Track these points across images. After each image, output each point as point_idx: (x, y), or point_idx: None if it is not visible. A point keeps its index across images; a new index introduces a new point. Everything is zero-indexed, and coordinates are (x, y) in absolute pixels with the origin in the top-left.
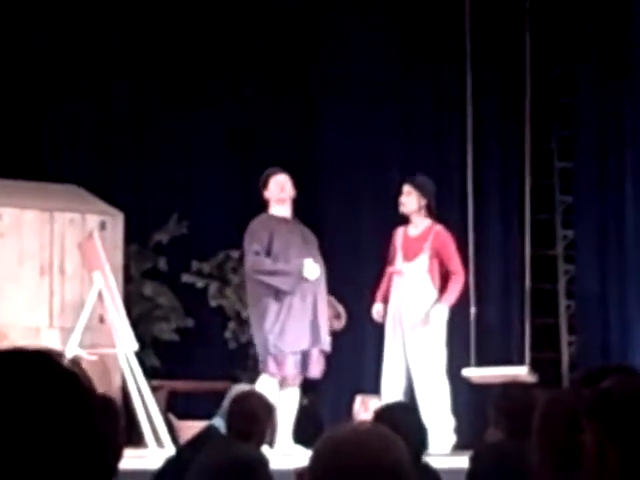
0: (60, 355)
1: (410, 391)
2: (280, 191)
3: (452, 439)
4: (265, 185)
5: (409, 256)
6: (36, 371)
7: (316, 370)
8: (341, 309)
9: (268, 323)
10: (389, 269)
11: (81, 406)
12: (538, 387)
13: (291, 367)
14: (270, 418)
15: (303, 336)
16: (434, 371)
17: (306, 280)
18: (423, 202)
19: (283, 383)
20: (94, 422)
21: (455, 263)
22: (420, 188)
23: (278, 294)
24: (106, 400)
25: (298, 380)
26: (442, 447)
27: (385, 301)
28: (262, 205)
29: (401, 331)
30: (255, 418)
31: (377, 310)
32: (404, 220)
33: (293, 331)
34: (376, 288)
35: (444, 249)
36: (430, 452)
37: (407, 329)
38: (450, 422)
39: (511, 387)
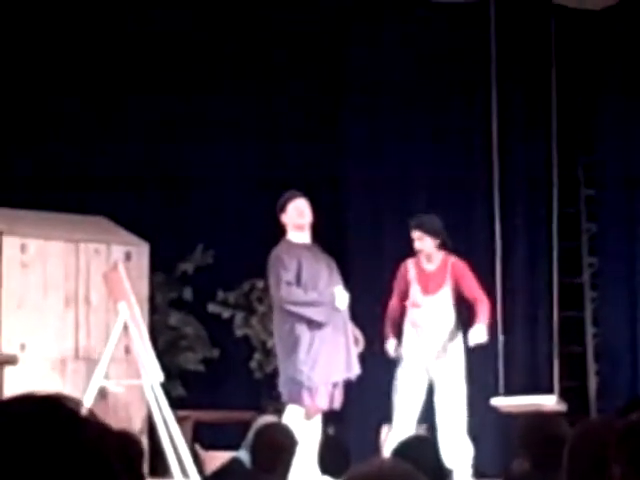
0: (71, 401)
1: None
2: (299, 216)
3: (470, 468)
4: (283, 209)
5: (429, 289)
6: (44, 419)
7: (338, 401)
8: (358, 334)
9: (301, 354)
10: (407, 303)
11: (91, 455)
12: (563, 417)
13: (324, 399)
14: (294, 449)
15: (336, 367)
16: (459, 403)
17: (338, 310)
18: (437, 242)
19: (309, 413)
20: (109, 470)
21: (477, 290)
22: (429, 230)
23: (310, 324)
24: (125, 436)
25: (322, 410)
26: (464, 475)
27: (398, 336)
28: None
29: (425, 363)
30: (279, 450)
31: (394, 346)
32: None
33: (326, 363)
34: (383, 323)
35: (463, 279)
36: None
37: (430, 360)
38: (471, 452)
39: (536, 417)
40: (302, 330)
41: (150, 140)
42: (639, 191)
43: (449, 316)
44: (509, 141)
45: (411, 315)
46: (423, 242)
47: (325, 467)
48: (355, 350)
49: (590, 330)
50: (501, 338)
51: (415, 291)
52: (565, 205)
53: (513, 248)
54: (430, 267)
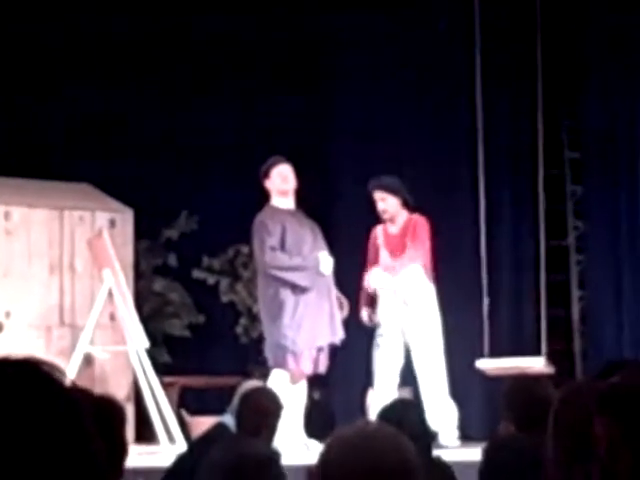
0: (46, 364)
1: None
2: (283, 182)
3: (456, 431)
4: (267, 175)
5: (395, 253)
6: (17, 381)
7: (324, 366)
8: (343, 299)
9: (286, 319)
10: (378, 268)
11: (67, 416)
12: (548, 379)
13: (308, 363)
14: (279, 413)
15: (320, 332)
16: (439, 361)
17: (322, 275)
18: (398, 200)
19: (294, 378)
20: (83, 433)
21: (417, 243)
22: (388, 189)
23: (295, 289)
24: (106, 401)
25: (307, 375)
26: (451, 440)
27: (371, 304)
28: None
29: (399, 325)
30: (264, 414)
31: (368, 315)
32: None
33: (311, 327)
34: (359, 292)
35: (415, 233)
36: (441, 444)
37: (405, 323)
38: (454, 409)
39: (521, 380)
40: (286, 295)
41: (135, 107)
42: (624, 153)
43: (419, 277)
44: (493, 104)
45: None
46: (386, 202)
47: (311, 431)
48: (339, 315)
49: (576, 293)
50: (486, 301)
51: (384, 255)
52: (550, 168)
53: (498, 211)
54: (394, 229)
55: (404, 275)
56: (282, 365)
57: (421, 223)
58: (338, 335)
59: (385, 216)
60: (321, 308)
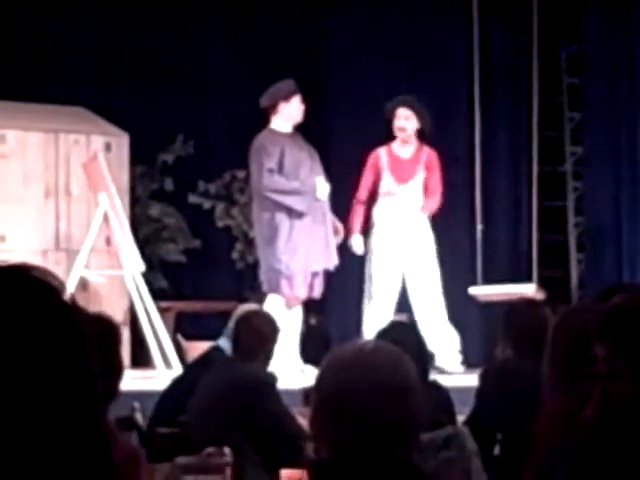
0: (40, 270)
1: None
2: (298, 111)
3: (459, 357)
4: (287, 99)
5: (402, 177)
6: (9, 285)
7: (318, 291)
8: (338, 224)
9: (281, 243)
10: (380, 192)
11: (59, 319)
12: (546, 305)
13: (302, 288)
14: (276, 337)
15: (315, 257)
16: (438, 292)
17: (318, 200)
18: (419, 126)
19: (289, 303)
20: (74, 338)
21: (438, 187)
22: (419, 113)
23: (290, 214)
24: (102, 320)
25: (302, 299)
26: (452, 363)
27: (365, 230)
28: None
29: (397, 252)
30: (261, 337)
31: (357, 243)
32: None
33: (305, 252)
34: (349, 217)
35: (432, 171)
36: (441, 368)
37: (405, 250)
38: (455, 334)
39: (519, 305)
40: (282, 219)
41: (130, 29)
42: (622, 79)
43: (420, 205)
44: (490, 28)
45: (383, 204)
46: (408, 121)
47: (307, 356)
48: (334, 241)
49: (572, 219)
50: (480, 227)
51: (388, 180)
52: (547, 94)
53: (494, 136)
54: (405, 154)
55: (407, 203)
56: (276, 289)
57: (435, 158)
58: (332, 261)
59: (402, 134)
60: (316, 233)
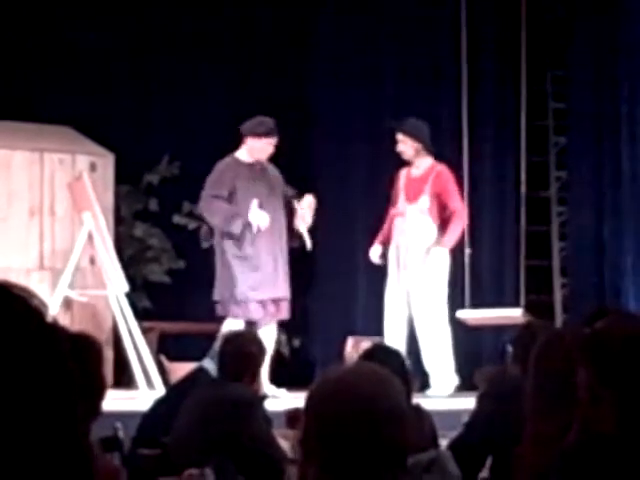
0: (21, 289)
1: (412, 334)
2: (264, 153)
3: (454, 381)
4: (258, 137)
5: (411, 197)
6: None
7: (284, 313)
8: (304, 232)
9: (224, 270)
10: (391, 211)
11: (39, 338)
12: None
13: (255, 310)
14: (262, 358)
15: (261, 285)
16: (436, 313)
17: (255, 227)
18: (418, 145)
19: (259, 324)
20: (53, 357)
21: (455, 201)
22: (411, 133)
23: (234, 241)
24: (84, 338)
25: (271, 319)
26: (444, 389)
27: (385, 243)
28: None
29: (404, 273)
30: (247, 358)
31: (374, 252)
32: (403, 163)
33: (245, 280)
34: (378, 231)
35: (444, 188)
36: (431, 394)
37: (409, 271)
38: (451, 364)
39: (534, 324)
40: (228, 246)
41: (117, 50)
42: (608, 105)
43: (424, 225)
44: (478, 53)
45: (396, 224)
46: (405, 145)
47: (290, 378)
48: (285, 271)
49: (557, 244)
50: (468, 251)
51: (401, 199)
52: (533, 118)
53: (480, 161)
54: (416, 172)
55: (414, 222)
56: (228, 313)
57: (444, 175)
58: (281, 291)
59: (403, 157)
60: (264, 262)
